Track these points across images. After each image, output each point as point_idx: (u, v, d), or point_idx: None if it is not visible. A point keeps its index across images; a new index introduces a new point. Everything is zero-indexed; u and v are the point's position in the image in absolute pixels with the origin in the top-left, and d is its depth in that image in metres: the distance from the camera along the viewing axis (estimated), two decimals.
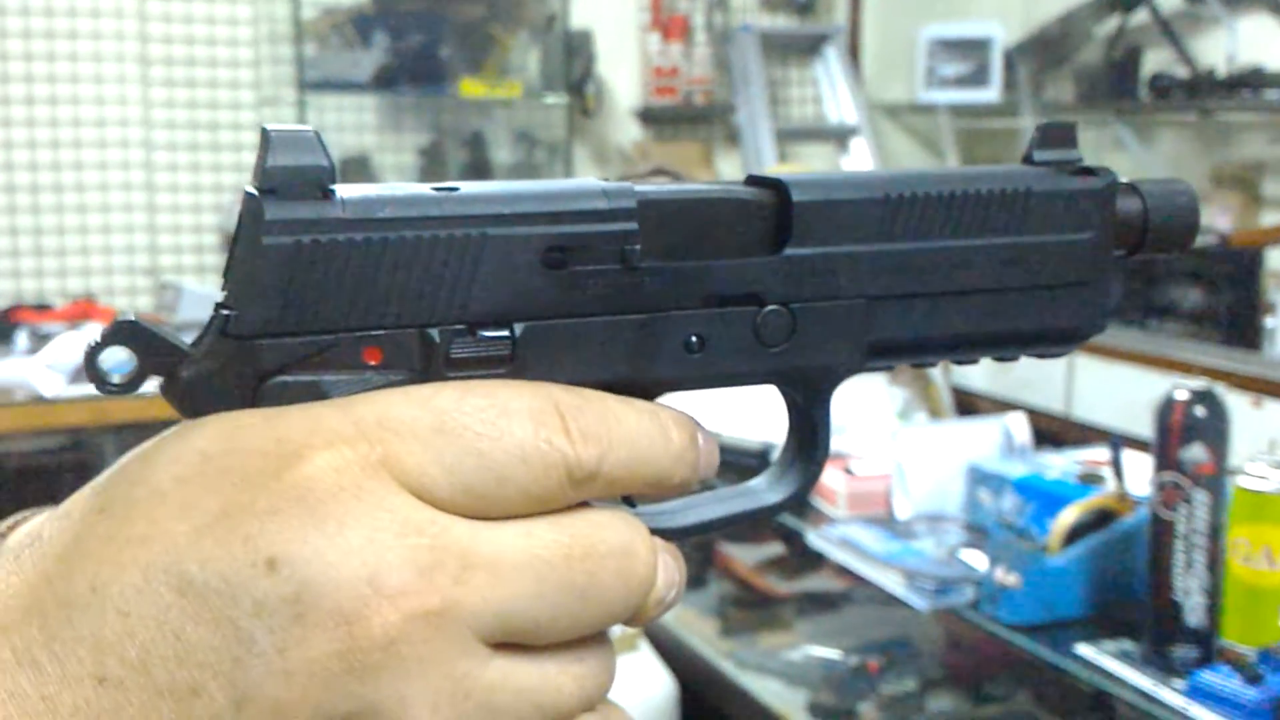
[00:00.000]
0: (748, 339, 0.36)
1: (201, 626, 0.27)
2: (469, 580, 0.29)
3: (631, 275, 0.34)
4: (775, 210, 0.36)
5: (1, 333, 3.06)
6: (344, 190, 0.31)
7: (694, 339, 0.35)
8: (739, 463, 2.06)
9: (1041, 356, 0.41)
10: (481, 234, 0.32)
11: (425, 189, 0.32)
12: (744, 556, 2.15)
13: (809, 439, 0.39)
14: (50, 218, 3.35)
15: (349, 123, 3.62)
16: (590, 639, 0.32)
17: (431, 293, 0.32)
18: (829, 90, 4.02)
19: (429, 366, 0.32)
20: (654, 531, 0.34)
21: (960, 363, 0.40)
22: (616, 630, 1.53)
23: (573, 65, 3.63)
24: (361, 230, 0.31)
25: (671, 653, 1.87)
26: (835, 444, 2.02)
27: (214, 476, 0.29)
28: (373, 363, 0.32)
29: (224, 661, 0.27)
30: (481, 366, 0.32)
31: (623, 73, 3.89)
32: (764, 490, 0.39)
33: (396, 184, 0.32)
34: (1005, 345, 0.41)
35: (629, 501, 0.35)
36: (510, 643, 0.30)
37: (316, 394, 0.31)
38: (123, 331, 0.31)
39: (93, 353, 0.31)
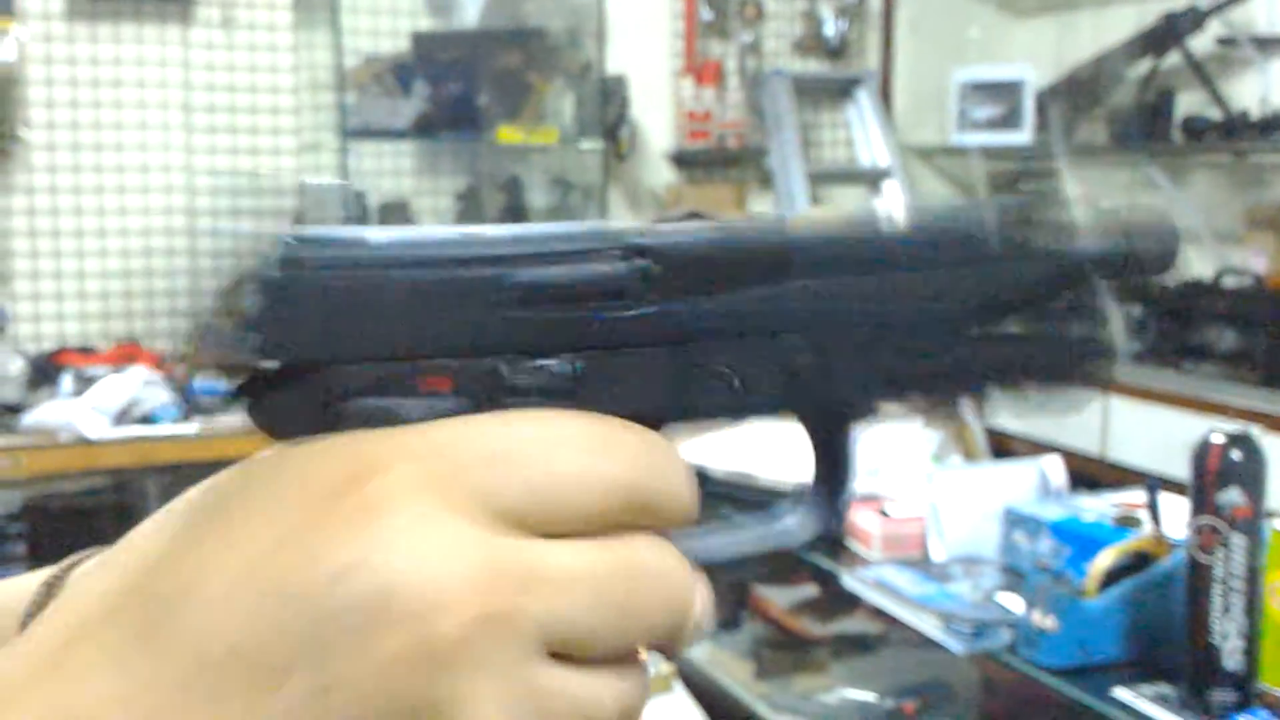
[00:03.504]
0: (776, 371, 0.38)
1: (285, 625, 0.29)
2: (532, 589, 0.31)
3: (660, 312, 0.36)
4: (772, 245, 0.38)
5: (46, 375, 3.11)
6: (376, 233, 0.34)
7: (725, 371, 0.37)
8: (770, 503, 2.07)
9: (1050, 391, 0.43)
10: (499, 274, 0.34)
11: (455, 231, 0.34)
12: (778, 598, 2.15)
13: (837, 472, 0.40)
14: (94, 261, 3.41)
15: (388, 168, 3.67)
16: (630, 659, 0.33)
17: (480, 326, 0.34)
18: (861, 133, 4.04)
19: (493, 395, 0.34)
20: (692, 561, 0.35)
21: (977, 395, 0.42)
22: (651, 672, 1.54)
23: (607, 110, 3.68)
24: (400, 268, 0.33)
25: (706, 694, 1.87)
26: (871, 486, 2.03)
27: (294, 495, 0.31)
28: (442, 390, 0.34)
29: (306, 657, 0.29)
30: (541, 395, 0.35)
31: (656, 117, 3.93)
32: (795, 527, 0.40)
33: (430, 226, 0.36)
34: (1017, 378, 0.42)
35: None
36: (565, 653, 0.31)
37: (390, 419, 0.33)
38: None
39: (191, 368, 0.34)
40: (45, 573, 0.51)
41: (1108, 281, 0.44)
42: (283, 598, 0.29)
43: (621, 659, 0.33)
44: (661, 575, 0.33)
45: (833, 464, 0.40)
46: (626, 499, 0.33)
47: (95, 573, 0.32)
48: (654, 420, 0.36)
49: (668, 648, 0.34)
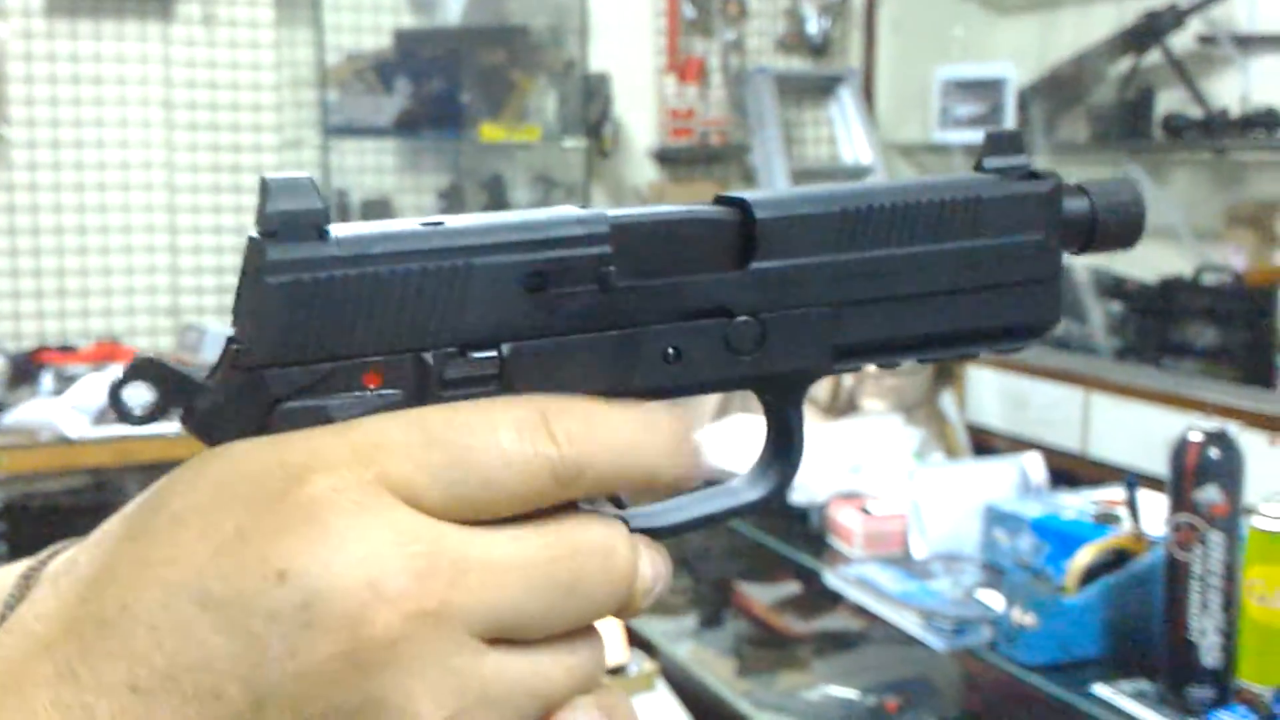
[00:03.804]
0: (720, 348, 0.38)
1: (221, 636, 0.30)
2: (462, 582, 0.31)
3: (608, 294, 0.36)
4: (740, 227, 0.39)
5: (27, 374, 3.10)
6: (339, 230, 0.34)
7: (670, 350, 0.38)
8: None
9: (1002, 352, 0.43)
10: (467, 264, 0.34)
11: (414, 224, 0.35)
12: (761, 596, 2.16)
13: (785, 440, 0.41)
14: (74, 259, 3.40)
15: (370, 165, 3.66)
16: (580, 632, 0.34)
17: (423, 319, 0.34)
18: (843, 131, 4.05)
19: (424, 387, 0.34)
20: (639, 530, 0.36)
21: (925, 360, 0.43)
22: (634, 670, 1.53)
23: (590, 108, 3.68)
24: (356, 266, 0.33)
25: (688, 692, 1.87)
26: (852, 483, 2.03)
27: (227, 502, 0.31)
28: (372, 386, 0.34)
29: (242, 666, 0.30)
30: (472, 385, 0.35)
31: (640, 115, 3.93)
32: (744, 489, 0.41)
33: (388, 221, 0.35)
34: (966, 343, 0.43)
35: (618, 503, 0.38)
36: (505, 638, 0.32)
37: (321, 417, 0.33)
38: (143, 368, 0.33)
39: (116, 388, 0.33)
40: (23, 565, 0.51)
41: (1071, 248, 0.44)
42: (220, 607, 0.30)
43: (570, 634, 0.33)
44: (602, 552, 0.33)
45: (782, 431, 0.41)
46: (557, 478, 0.33)
47: (46, 592, 0.32)
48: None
49: (620, 616, 0.35)
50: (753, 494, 0.40)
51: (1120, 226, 0.44)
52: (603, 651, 0.34)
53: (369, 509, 0.31)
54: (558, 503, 0.34)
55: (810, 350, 0.39)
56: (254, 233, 0.33)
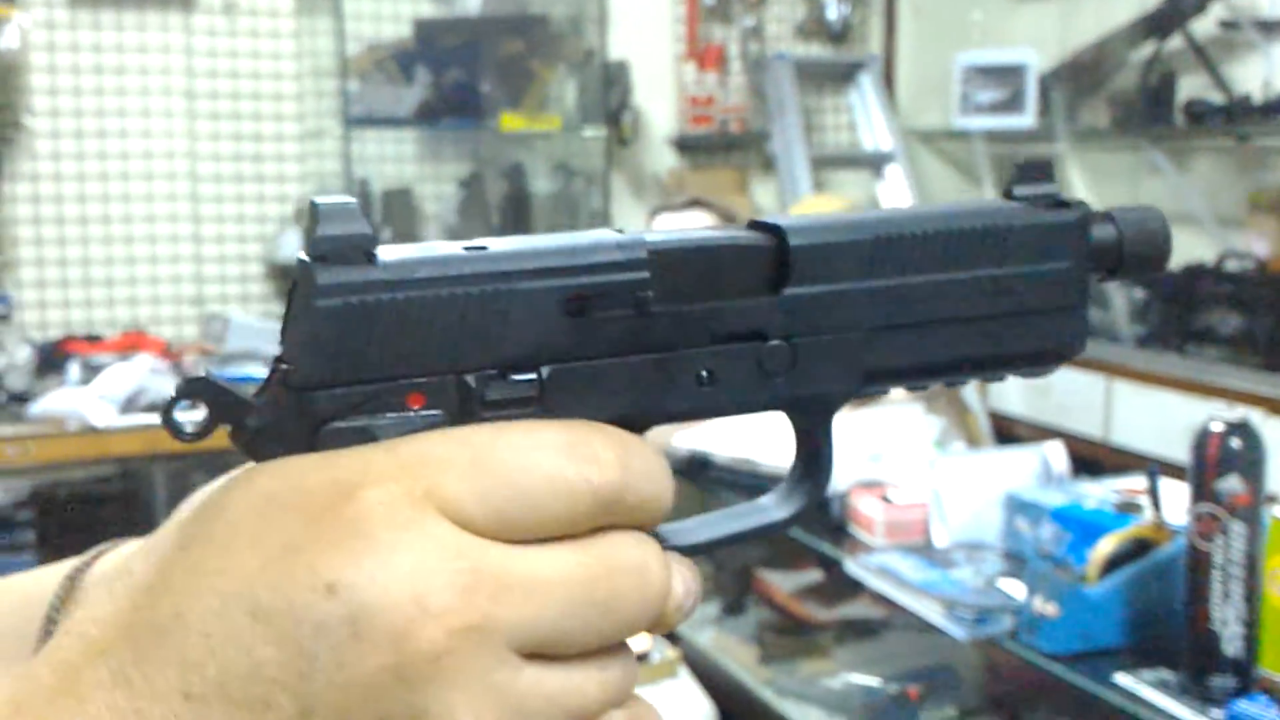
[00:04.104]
0: (753, 372, 0.39)
1: (271, 646, 0.31)
2: (505, 599, 0.32)
3: (645, 319, 0.37)
4: (775, 253, 0.39)
5: (53, 364, 3.13)
6: (385, 253, 0.35)
7: (704, 374, 0.39)
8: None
9: (1027, 376, 0.44)
10: (509, 288, 0.35)
11: (457, 248, 0.35)
12: (783, 584, 2.17)
13: (814, 459, 0.42)
14: (98, 249, 3.42)
15: (390, 155, 3.67)
16: (614, 648, 0.35)
17: (465, 342, 0.35)
18: (864, 117, 4.04)
19: (466, 408, 0.35)
20: (672, 548, 0.37)
21: (951, 384, 0.44)
22: (657, 657, 1.54)
23: (610, 96, 3.68)
24: (402, 290, 0.34)
25: (711, 679, 1.89)
26: (874, 472, 2.04)
27: (278, 514, 0.32)
28: (416, 407, 0.35)
29: (291, 676, 0.31)
30: (513, 407, 0.36)
31: (659, 102, 3.93)
32: (772, 507, 0.42)
33: (433, 243, 0.36)
34: (992, 368, 0.44)
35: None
36: (542, 654, 0.33)
37: (367, 437, 0.34)
38: (195, 386, 0.34)
39: (169, 407, 0.34)
40: (68, 565, 0.52)
41: (1099, 274, 0.45)
42: (270, 617, 0.31)
43: (604, 650, 0.34)
44: (637, 571, 0.34)
45: (811, 451, 0.42)
46: (598, 500, 0.34)
47: (101, 598, 0.34)
48: (631, 423, 0.37)
49: (653, 631, 0.36)
50: (781, 513, 0.41)
51: (1147, 253, 0.45)
52: (635, 667, 0.35)
53: (415, 524, 0.32)
54: (595, 526, 0.34)
55: (840, 373, 0.40)
56: (304, 255, 0.34)
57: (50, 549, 2.84)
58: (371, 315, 0.34)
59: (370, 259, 0.34)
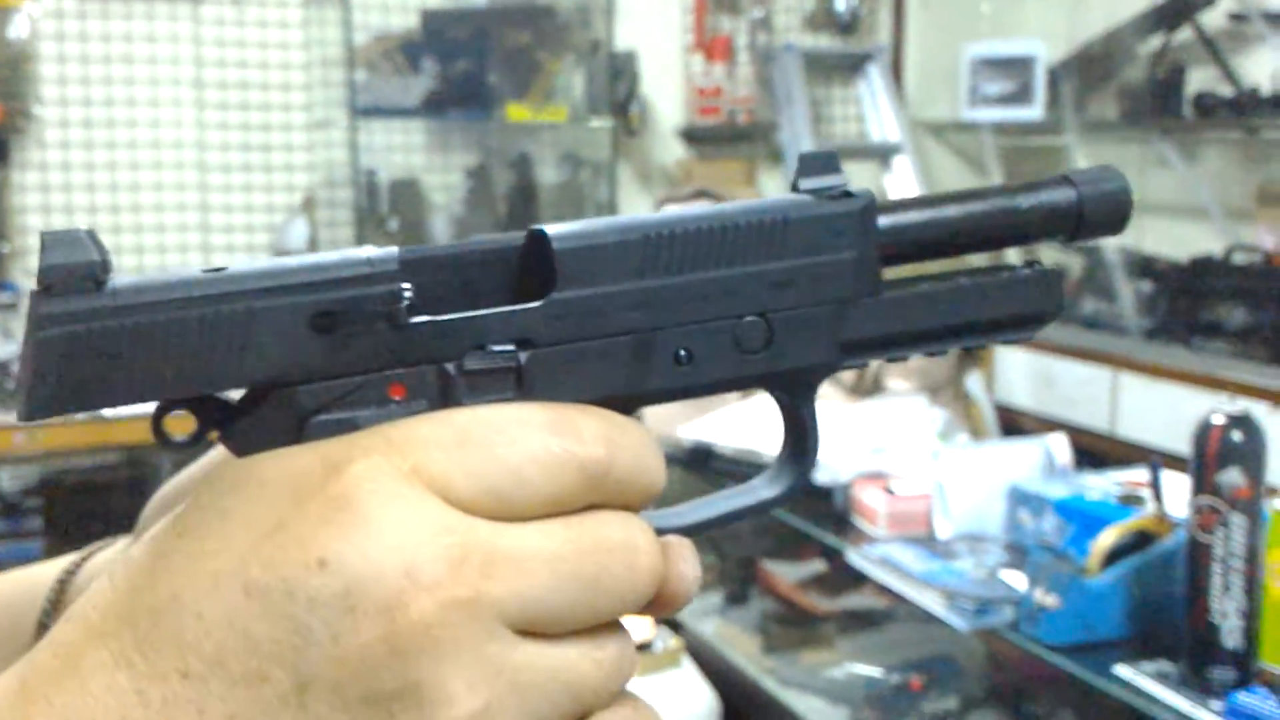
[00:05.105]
0: (730, 348, 0.39)
1: (265, 622, 0.31)
2: (494, 572, 0.32)
3: (401, 331, 0.36)
4: (538, 257, 0.39)
5: None
6: (119, 280, 0.34)
7: (682, 353, 0.39)
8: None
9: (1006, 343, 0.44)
10: (247, 307, 0.35)
11: (196, 271, 0.35)
12: (786, 574, 2.17)
13: (800, 436, 0.42)
14: (106, 238, 3.41)
15: (398, 145, 3.68)
16: (608, 628, 0.35)
17: (213, 362, 0.35)
18: (872, 109, 4.04)
19: (447, 395, 0.36)
20: (665, 530, 0.37)
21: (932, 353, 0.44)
22: (659, 647, 1.55)
23: (617, 87, 3.68)
24: (130, 315, 0.34)
25: (714, 669, 1.89)
26: (877, 464, 2.04)
27: (271, 495, 0.33)
28: (397, 398, 0.36)
29: (286, 651, 0.31)
30: (495, 392, 0.36)
31: (667, 93, 3.93)
32: (762, 487, 0.42)
33: (177, 268, 0.37)
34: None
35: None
36: (533, 631, 0.33)
37: (350, 428, 0.35)
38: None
39: (157, 417, 0.35)
40: (65, 561, 0.53)
41: (1059, 238, 0.45)
42: (264, 594, 0.32)
43: (597, 629, 0.35)
44: (625, 548, 0.35)
45: (797, 428, 0.42)
46: (585, 477, 0.34)
47: (103, 584, 0.34)
48: (616, 404, 0.37)
49: (647, 614, 0.36)
50: (771, 491, 0.42)
51: (1107, 213, 0.45)
52: (631, 649, 0.36)
53: (404, 498, 0.32)
54: (583, 503, 0.35)
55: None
56: (34, 286, 0.34)
57: (58, 535, 2.86)
58: (99, 342, 0.34)
59: (98, 286, 0.34)
